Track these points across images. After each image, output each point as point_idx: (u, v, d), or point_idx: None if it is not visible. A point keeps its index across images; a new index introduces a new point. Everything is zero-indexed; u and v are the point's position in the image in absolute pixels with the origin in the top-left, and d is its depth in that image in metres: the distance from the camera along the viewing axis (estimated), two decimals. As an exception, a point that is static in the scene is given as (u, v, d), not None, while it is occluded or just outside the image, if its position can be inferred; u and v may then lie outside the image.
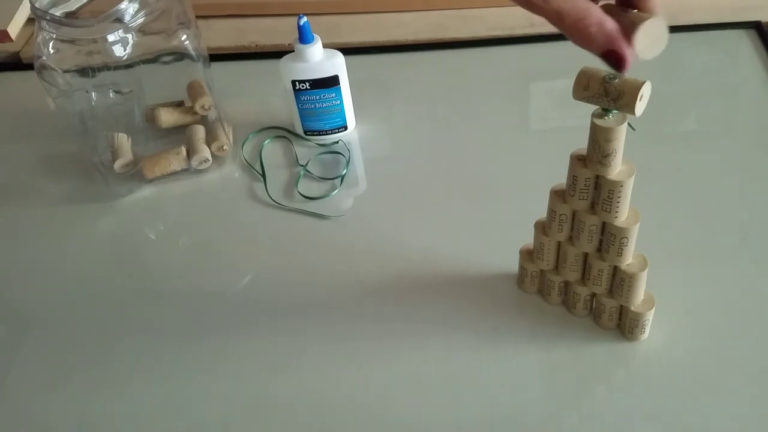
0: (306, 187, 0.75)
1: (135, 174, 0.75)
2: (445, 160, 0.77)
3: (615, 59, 0.42)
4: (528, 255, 0.60)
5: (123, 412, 0.56)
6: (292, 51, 0.74)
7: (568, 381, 0.56)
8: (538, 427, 0.53)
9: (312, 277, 0.65)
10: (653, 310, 0.55)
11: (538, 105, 0.84)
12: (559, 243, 0.56)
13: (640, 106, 0.44)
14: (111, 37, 0.67)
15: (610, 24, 0.41)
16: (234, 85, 0.87)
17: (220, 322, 0.62)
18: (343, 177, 0.75)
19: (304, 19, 0.71)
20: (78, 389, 0.58)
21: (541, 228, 0.57)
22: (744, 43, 0.88)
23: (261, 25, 0.97)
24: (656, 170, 0.71)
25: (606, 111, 0.47)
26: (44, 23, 0.65)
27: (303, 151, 0.79)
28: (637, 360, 0.56)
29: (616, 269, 0.54)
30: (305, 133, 0.79)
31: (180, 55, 0.71)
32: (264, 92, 0.86)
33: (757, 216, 0.67)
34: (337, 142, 0.79)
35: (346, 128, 0.80)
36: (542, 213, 0.56)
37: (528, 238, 0.59)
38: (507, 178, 0.73)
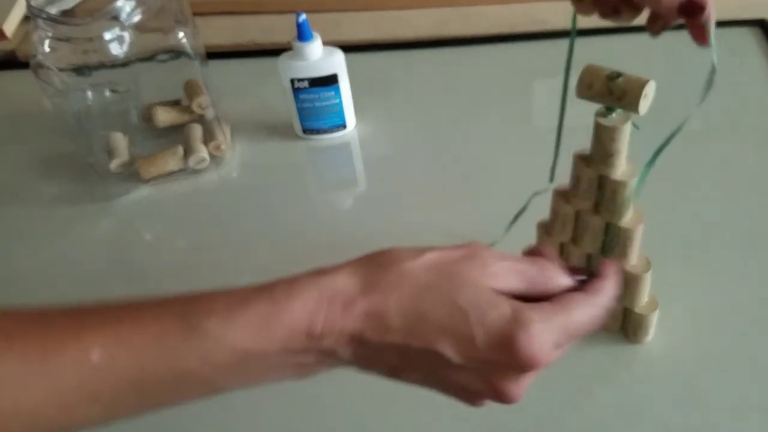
0: (304, 186, 0.74)
1: (132, 174, 0.74)
2: (446, 159, 0.76)
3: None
4: (530, 256, 0.59)
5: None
6: (291, 49, 0.73)
7: (571, 383, 0.55)
8: (540, 429, 0.52)
9: (311, 278, 0.65)
10: (657, 312, 0.55)
11: (541, 103, 0.83)
12: (562, 244, 0.56)
13: (644, 105, 0.44)
14: (107, 36, 0.66)
15: None
16: (232, 83, 0.86)
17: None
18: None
19: (303, 16, 0.71)
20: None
21: (544, 229, 0.56)
22: (748, 40, 0.87)
23: (259, 22, 0.96)
24: (660, 170, 0.70)
25: (609, 110, 0.46)
26: (40, 21, 0.65)
27: (301, 151, 0.78)
28: (641, 362, 0.56)
29: (619, 271, 0.54)
30: (304, 132, 0.78)
31: (177, 53, 0.71)
32: (262, 91, 0.85)
33: (762, 216, 0.66)
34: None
35: (345, 127, 0.79)
36: (545, 213, 0.55)
37: (530, 239, 0.58)
38: (508, 177, 0.72)
